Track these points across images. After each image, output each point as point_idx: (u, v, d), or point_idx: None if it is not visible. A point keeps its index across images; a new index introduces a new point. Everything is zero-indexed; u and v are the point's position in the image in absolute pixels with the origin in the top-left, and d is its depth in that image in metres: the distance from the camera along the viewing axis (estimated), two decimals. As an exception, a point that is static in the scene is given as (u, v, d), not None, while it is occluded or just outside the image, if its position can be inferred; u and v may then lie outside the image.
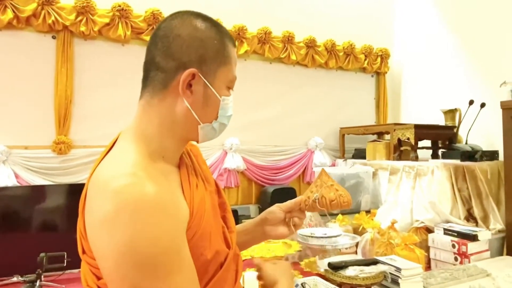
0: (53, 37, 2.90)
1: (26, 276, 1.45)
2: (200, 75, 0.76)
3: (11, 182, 2.64)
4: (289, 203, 1.08)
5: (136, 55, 3.18)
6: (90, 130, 3.00)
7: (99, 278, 0.70)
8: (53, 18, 2.79)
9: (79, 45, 2.99)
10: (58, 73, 2.87)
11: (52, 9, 2.79)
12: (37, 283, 1.36)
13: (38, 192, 2.65)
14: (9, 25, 2.71)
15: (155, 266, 0.58)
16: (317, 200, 1.06)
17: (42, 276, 1.41)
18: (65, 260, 1.54)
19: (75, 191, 2.73)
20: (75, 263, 2.30)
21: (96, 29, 2.94)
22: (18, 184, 2.68)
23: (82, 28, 2.89)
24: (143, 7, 3.13)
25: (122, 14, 3.00)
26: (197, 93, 0.76)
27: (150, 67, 0.78)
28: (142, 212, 0.59)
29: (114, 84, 3.10)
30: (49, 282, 2.45)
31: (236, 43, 3.51)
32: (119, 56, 3.13)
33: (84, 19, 2.89)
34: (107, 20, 2.97)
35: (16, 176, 2.71)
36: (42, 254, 1.49)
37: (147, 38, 3.12)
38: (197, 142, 0.86)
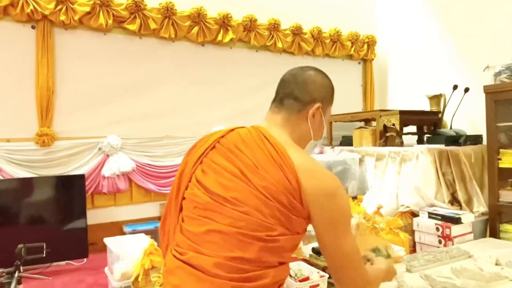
0: (33, 27, 2.84)
1: (8, 269, 1.43)
2: (321, 109, 1.13)
3: (-7, 175, 2.60)
4: None
5: (119, 44, 3.13)
6: (74, 121, 2.96)
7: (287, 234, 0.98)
8: (31, 7, 2.72)
9: (59, 35, 2.93)
10: (39, 64, 2.82)
11: (30, -2, 2.73)
12: (16, 275, 1.34)
13: (23, 185, 2.62)
14: (-14, 15, 2.65)
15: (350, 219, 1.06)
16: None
17: (21, 268, 1.40)
18: (44, 251, 1.52)
19: (61, 183, 2.70)
20: (55, 254, 2.29)
21: (76, 18, 2.88)
22: (1, 177, 2.64)
23: (62, 18, 2.82)
24: (125, -5, 3.07)
25: (103, 2, 2.94)
26: (316, 119, 1.13)
27: (287, 96, 1.12)
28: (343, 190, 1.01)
29: (96, 74, 3.05)
30: (35, 274, 2.45)
31: (221, 31, 3.47)
32: (101, 45, 3.07)
33: (64, 8, 2.83)
34: (87, 9, 2.91)
35: (-1, 169, 2.67)
36: (20, 246, 1.47)
37: (130, 27, 3.08)
38: None
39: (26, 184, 2.62)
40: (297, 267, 1.79)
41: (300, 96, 1.11)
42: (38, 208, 2.60)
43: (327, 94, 1.16)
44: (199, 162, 1.07)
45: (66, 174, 2.84)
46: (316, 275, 1.69)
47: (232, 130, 1.11)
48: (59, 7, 2.82)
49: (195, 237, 0.95)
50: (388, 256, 1.24)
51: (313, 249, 1.86)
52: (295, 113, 1.11)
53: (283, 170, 0.96)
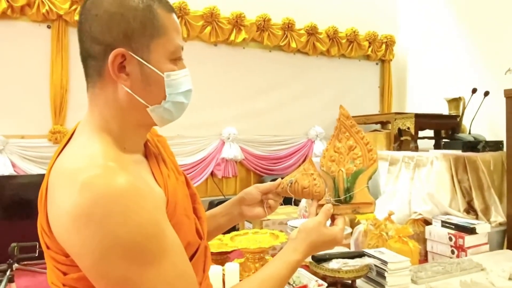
0: (48, 27, 2.90)
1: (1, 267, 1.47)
2: (132, 54, 0.69)
3: (7, 171, 2.67)
4: (267, 184, 1.08)
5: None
6: (86, 120, 3.00)
7: (65, 274, 0.66)
8: (47, 7, 2.78)
9: (74, 34, 2.96)
10: (54, 63, 2.88)
11: (46, -2, 2.79)
12: (8, 273, 1.37)
13: (38, 180, 2.68)
14: (3, 15, 2.72)
15: (142, 252, 0.59)
16: (289, 185, 1.03)
17: (14, 266, 1.43)
18: (37, 250, 1.55)
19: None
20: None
21: (90, 18, 2.92)
22: (15, 173, 2.71)
23: (77, 17, 2.87)
24: (138, -5, 3.09)
25: (116, 2, 2.97)
26: (134, 74, 0.70)
27: (85, 55, 0.73)
28: (119, 202, 0.58)
29: (110, 74, 3.09)
30: (44, 269, 2.50)
31: (234, 31, 3.44)
32: (115, 45, 3.10)
33: (78, 8, 2.88)
34: (101, 9, 2.94)
35: (13, 165, 2.74)
36: (13, 244, 1.51)
37: (142, 26, 3.10)
38: (159, 126, 0.81)
39: (41, 180, 2.68)
40: (296, 274, 1.74)
41: (91, 48, 0.70)
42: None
43: (130, 24, 0.68)
44: None
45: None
46: (314, 283, 1.64)
47: None
48: (73, 7, 2.88)
49: None
50: (347, 199, 0.96)
51: (313, 256, 1.81)
52: (98, 79, 0.72)
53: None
